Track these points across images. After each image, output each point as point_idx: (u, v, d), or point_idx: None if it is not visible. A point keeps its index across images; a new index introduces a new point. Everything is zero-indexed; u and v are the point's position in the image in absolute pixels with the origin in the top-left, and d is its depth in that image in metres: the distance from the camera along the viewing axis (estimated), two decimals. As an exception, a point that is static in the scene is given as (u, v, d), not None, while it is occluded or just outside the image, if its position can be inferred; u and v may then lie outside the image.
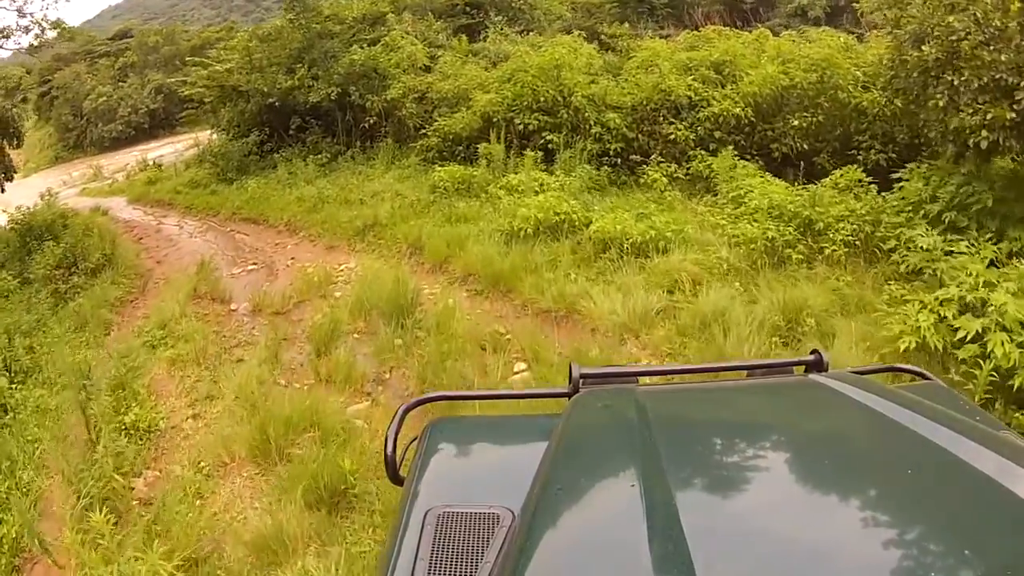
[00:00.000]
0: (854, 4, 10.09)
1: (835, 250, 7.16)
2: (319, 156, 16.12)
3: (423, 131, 14.75)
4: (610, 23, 22.29)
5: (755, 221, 7.91)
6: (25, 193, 30.35)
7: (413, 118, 15.45)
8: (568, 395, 1.66)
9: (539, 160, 11.72)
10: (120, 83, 38.87)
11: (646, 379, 1.87)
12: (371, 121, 15.89)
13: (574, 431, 1.41)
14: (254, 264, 11.01)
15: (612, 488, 1.20)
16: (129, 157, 28.15)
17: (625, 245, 8.09)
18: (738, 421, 1.51)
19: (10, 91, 47.36)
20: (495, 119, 13.72)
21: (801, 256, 7.25)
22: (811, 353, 1.82)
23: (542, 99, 13.41)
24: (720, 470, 1.27)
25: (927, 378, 1.89)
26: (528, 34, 21.32)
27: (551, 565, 1.03)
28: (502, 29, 22.57)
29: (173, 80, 31.05)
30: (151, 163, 23.68)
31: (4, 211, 17.80)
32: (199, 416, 6.17)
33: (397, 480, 1.59)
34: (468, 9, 25.80)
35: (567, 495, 1.18)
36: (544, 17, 27.81)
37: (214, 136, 19.47)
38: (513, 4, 26.88)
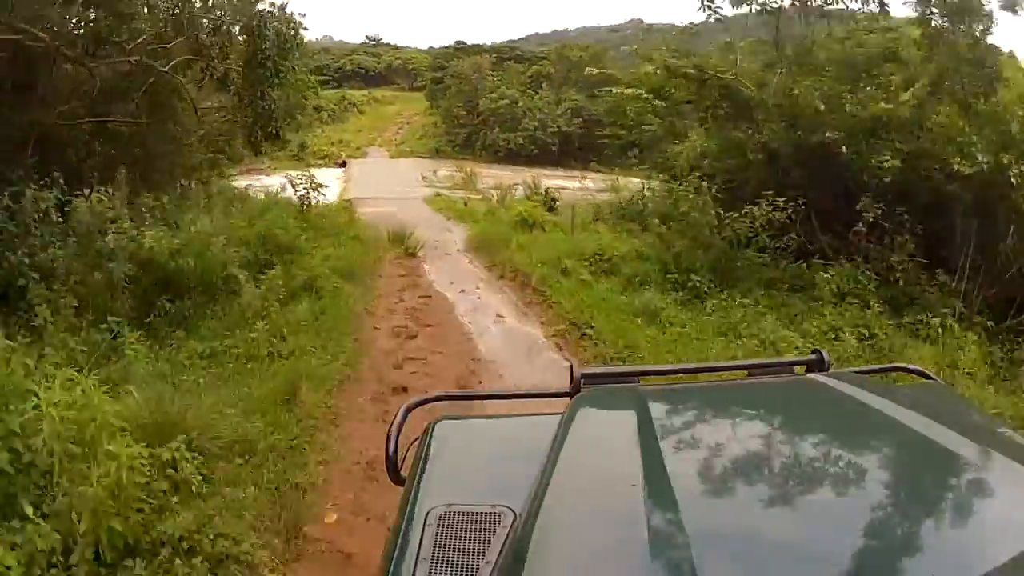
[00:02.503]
0: None
1: None
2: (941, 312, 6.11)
3: None
4: None
5: None
6: (382, 175, 25.24)
7: None
8: (569, 395, 1.60)
9: None
10: (530, 91, 33.07)
11: (648, 379, 1.75)
12: None
13: (575, 431, 1.35)
14: None
15: (613, 488, 1.14)
16: (520, 176, 20.80)
17: None
18: (739, 421, 1.49)
19: (407, 72, 46.80)
20: None
21: None
22: (812, 352, 1.75)
23: None
24: (721, 470, 1.23)
25: (928, 378, 1.80)
26: None
27: (552, 565, 1.00)
28: None
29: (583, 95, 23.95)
30: (543, 192, 15.39)
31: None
32: None
33: (398, 480, 1.54)
34: None
35: (568, 495, 1.15)
36: None
37: (652, 186, 10.34)
38: None
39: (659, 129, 11.82)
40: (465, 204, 16.15)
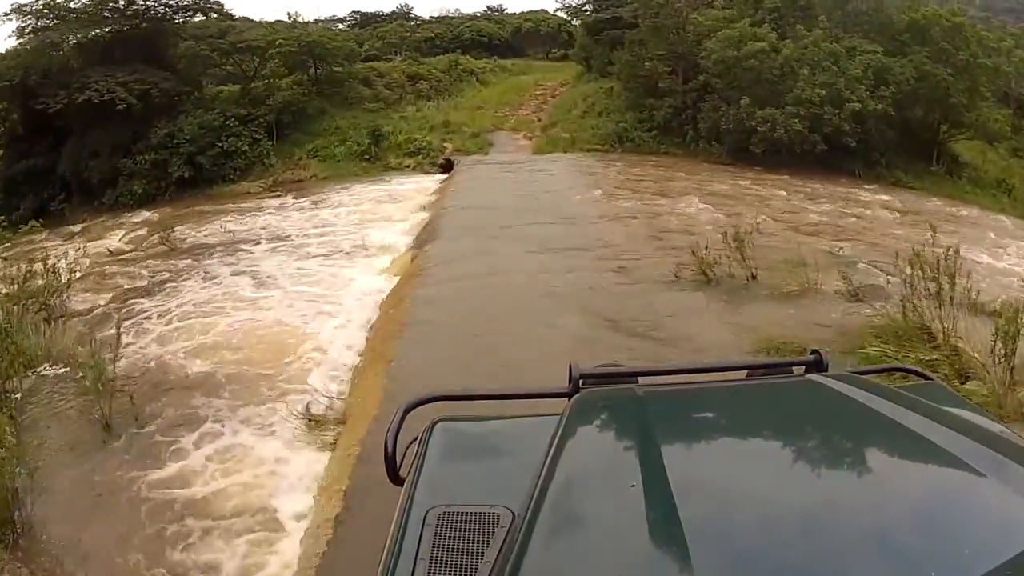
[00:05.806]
0: None
1: None
2: None
3: None
4: None
5: None
6: (528, 223, 12.44)
7: None
8: (568, 395, 1.61)
9: None
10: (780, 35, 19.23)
11: (646, 379, 1.74)
12: None
13: (574, 431, 1.36)
14: None
15: (612, 488, 1.15)
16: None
17: None
18: (738, 421, 1.50)
19: (542, 38, 36.07)
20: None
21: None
22: (811, 353, 1.76)
23: None
24: (720, 470, 1.23)
25: (928, 378, 1.85)
26: None
27: (551, 565, 1.01)
28: None
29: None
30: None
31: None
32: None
33: (397, 480, 1.56)
34: None
35: (567, 495, 1.16)
36: None
37: None
38: None
39: None
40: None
